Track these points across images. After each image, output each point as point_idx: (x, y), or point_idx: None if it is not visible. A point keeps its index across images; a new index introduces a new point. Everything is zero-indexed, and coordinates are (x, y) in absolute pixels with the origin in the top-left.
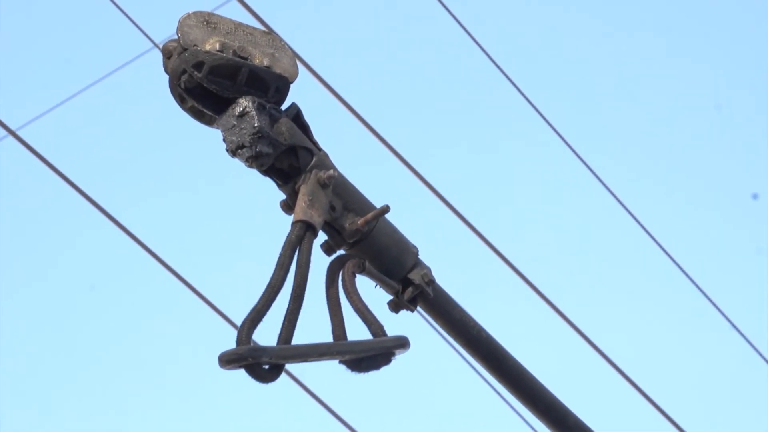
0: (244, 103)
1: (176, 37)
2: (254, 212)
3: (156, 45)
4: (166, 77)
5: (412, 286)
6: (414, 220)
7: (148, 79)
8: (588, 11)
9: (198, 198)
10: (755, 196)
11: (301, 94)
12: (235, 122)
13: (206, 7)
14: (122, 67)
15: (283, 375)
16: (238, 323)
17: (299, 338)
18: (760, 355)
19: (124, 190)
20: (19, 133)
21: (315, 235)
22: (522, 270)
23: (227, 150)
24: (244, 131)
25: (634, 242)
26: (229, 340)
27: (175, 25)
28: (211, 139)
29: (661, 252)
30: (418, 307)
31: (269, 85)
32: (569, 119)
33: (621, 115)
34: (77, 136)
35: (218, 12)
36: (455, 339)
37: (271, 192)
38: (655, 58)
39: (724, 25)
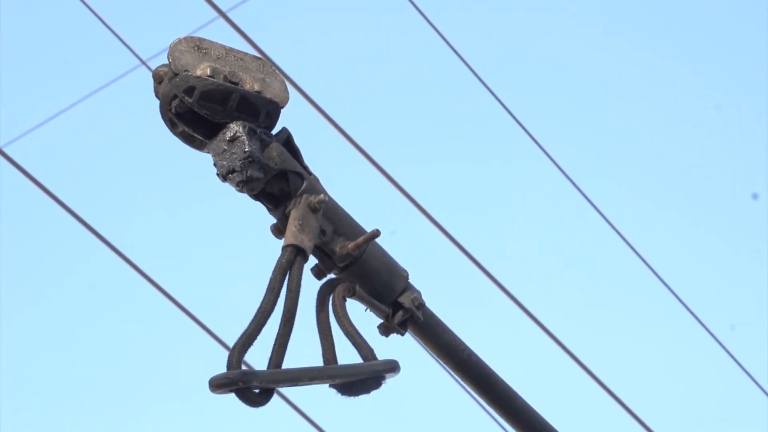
0: (235, 128)
1: (167, 61)
2: (247, 235)
3: (143, 62)
4: (157, 102)
5: (402, 310)
6: (404, 244)
7: (135, 96)
8: (586, 12)
9: (189, 219)
10: (755, 196)
11: (291, 116)
12: (225, 147)
13: (192, 25)
14: (110, 83)
15: (276, 397)
16: (231, 345)
17: (290, 362)
18: (748, 374)
19: (114, 207)
20: (6, 149)
21: (305, 259)
22: (513, 292)
23: (218, 175)
24: (235, 156)
25: (627, 262)
26: (222, 362)
27: (162, 41)
28: (201, 159)
29: (657, 269)
30: (408, 331)
31: (260, 110)
32: (566, 125)
33: (620, 115)
34: (65, 152)
35: (204, 29)
36: (445, 362)
37: (263, 216)
38: (654, 58)
39: (724, 25)
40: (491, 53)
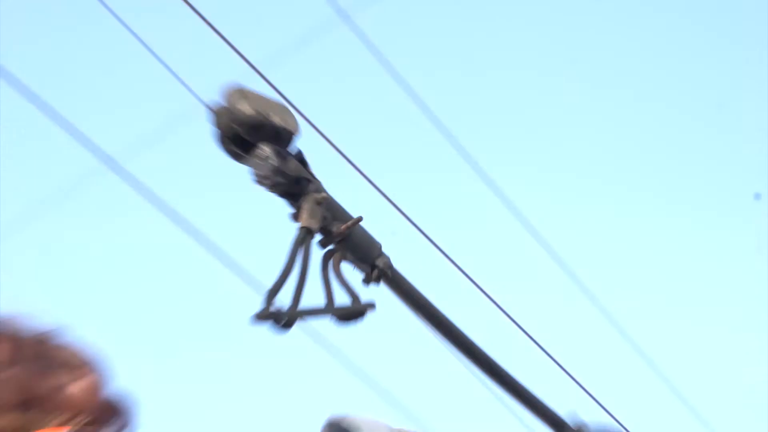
0: (267, 149)
1: (221, 102)
2: (274, 222)
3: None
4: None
5: (378, 269)
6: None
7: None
8: (584, 11)
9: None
10: (757, 196)
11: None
12: (261, 162)
13: None
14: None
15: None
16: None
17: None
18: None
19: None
20: None
21: (313, 236)
22: (488, 291)
23: (254, 181)
24: (267, 168)
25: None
26: (253, 306)
27: None
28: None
29: (658, 269)
30: (383, 282)
31: (282, 137)
32: (565, 125)
33: (619, 115)
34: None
35: None
36: (409, 306)
37: (285, 209)
38: (655, 57)
39: (724, 25)
40: (490, 49)
